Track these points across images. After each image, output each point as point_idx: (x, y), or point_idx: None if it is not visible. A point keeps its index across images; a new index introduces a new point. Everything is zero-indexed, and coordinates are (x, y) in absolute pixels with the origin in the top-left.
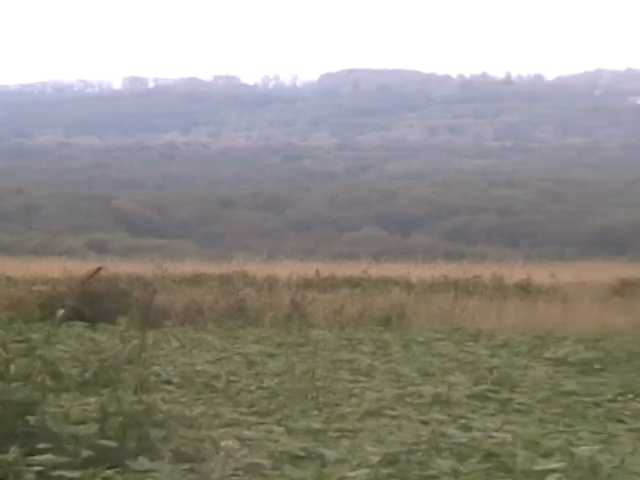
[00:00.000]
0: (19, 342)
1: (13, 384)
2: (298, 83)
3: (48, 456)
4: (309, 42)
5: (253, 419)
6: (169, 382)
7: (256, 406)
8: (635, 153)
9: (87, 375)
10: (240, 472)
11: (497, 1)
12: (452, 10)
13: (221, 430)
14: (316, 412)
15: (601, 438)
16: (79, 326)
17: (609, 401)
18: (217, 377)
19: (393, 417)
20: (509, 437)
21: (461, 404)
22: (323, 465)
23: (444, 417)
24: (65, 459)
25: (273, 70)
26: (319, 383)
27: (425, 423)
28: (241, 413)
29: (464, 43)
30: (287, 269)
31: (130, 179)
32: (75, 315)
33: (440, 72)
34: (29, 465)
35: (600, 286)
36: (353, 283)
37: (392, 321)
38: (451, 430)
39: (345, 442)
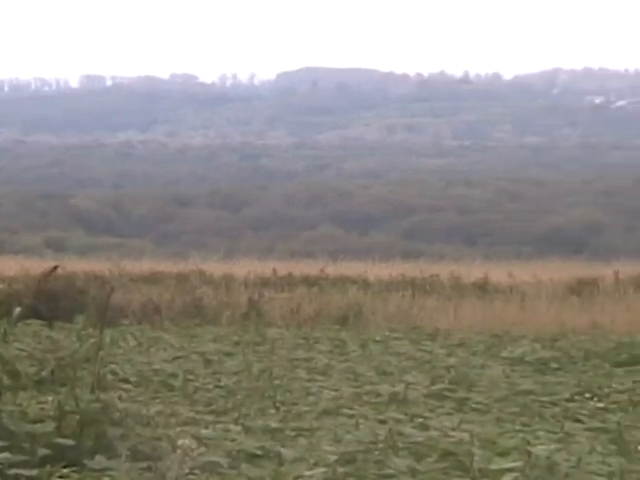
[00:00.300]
0: None
1: None
2: (256, 82)
3: (5, 454)
4: (267, 41)
5: (210, 418)
6: (126, 381)
7: (213, 405)
8: (592, 152)
9: (44, 373)
10: (197, 471)
11: (454, 0)
12: (409, 9)
13: (178, 429)
14: (273, 411)
15: (558, 437)
16: (36, 324)
17: (566, 400)
18: (174, 376)
19: (350, 416)
20: (466, 436)
21: (418, 403)
22: (280, 464)
23: (401, 416)
24: (22, 457)
25: (231, 69)
26: (276, 382)
27: (382, 422)
28: (198, 412)
29: (422, 42)
30: (244, 268)
31: (87, 177)
32: (32, 313)
33: (398, 71)
34: None
35: (557, 285)
36: (310, 282)
37: (349, 320)
38: (408, 429)
39: (302, 441)
